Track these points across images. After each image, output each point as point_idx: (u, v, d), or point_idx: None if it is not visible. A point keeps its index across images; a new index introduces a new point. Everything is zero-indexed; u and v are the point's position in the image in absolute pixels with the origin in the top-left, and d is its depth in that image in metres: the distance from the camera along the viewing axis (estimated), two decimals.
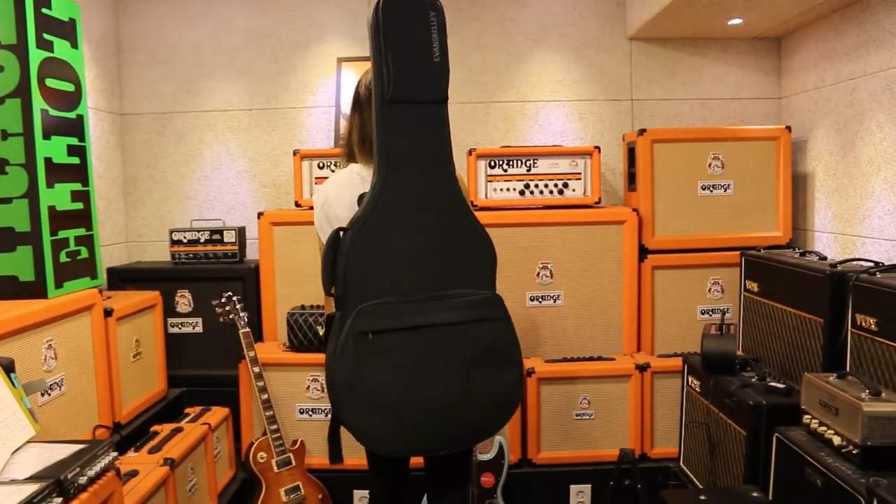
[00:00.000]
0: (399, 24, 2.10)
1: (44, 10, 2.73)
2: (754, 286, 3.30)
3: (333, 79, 4.20)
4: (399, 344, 2.06)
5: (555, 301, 3.69)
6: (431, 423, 2.09)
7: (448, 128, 2.16)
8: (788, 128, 3.70)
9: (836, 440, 2.13)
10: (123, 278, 3.86)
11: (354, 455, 3.45)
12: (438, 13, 2.12)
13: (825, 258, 3.06)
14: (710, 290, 3.70)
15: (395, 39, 2.10)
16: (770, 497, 2.42)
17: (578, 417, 3.52)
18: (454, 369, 2.09)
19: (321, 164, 3.77)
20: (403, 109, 2.11)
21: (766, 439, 2.50)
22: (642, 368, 3.48)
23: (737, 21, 3.79)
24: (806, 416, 2.32)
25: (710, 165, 3.68)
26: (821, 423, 2.24)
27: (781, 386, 2.72)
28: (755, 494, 2.36)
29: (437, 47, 2.11)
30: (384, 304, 2.06)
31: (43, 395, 2.58)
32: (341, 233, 2.10)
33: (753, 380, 2.86)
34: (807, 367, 2.83)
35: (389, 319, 2.05)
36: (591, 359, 3.59)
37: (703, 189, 3.69)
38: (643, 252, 3.67)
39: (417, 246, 2.11)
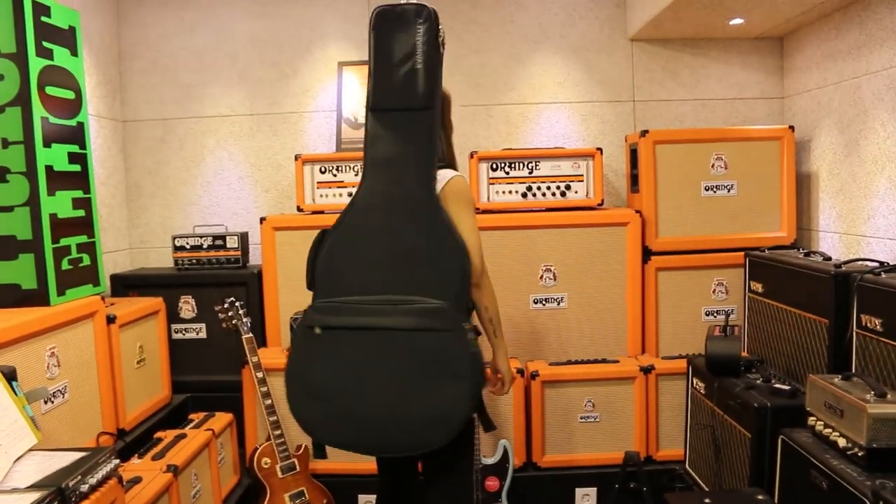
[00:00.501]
0: (386, 34, 2.23)
1: (43, 19, 2.73)
2: (759, 287, 3.29)
3: (334, 83, 4.20)
4: (347, 342, 2.18)
5: (558, 304, 3.68)
6: (372, 424, 2.17)
7: (430, 134, 2.22)
8: (791, 127, 3.68)
9: (842, 442, 2.12)
10: (127, 285, 3.86)
11: (359, 459, 3.45)
12: (426, 20, 2.19)
13: (830, 258, 3.04)
14: (714, 292, 3.68)
15: (382, 49, 2.23)
16: (776, 500, 2.41)
17: (583, 420, 3.50)
18: (397, 375, 2.15)
19: (323, 169, 3.77)
20: (383, 117, 2.25)
21: (772, 441, 2.49)
22: (647, 371, 3.46)
23: (738, 21, 3.78)
24: (811, 418, 2.31)
25: (713, 166, 3.67)
26: (826, 425, 2.22)
27: (786, 387, 2.70)
28: (760, 497, 2.35)
29: (419, 55, 2.20)
30: (341, 303, 2.20)
31: (46, 402, 2.58)
32: (325, 233, 2.29)
33: (758, 381, 2.84)
34: (812, 369, 2.81)
35: (340, 317, 2.18)
36: (595, 361, 3.58)
37: (707, 190, 3.68)
38: (647, 254, 3.66)
39: (384, 249, 2.21)
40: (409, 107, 2.22)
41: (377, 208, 2.23)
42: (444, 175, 2.29)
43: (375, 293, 2.19)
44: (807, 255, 3.17)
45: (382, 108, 2.25)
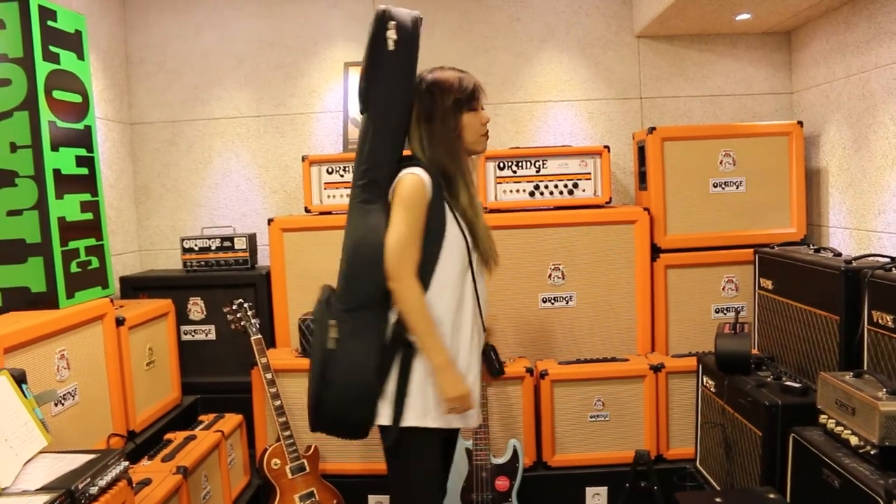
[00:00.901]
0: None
1: (49, 23, 2.74)
2: (768, 284, 3.27)
3: (341, 83, 4.19)
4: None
5: (567, 302, 3.67)
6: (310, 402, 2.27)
7: (362, 135, 2.26)
8: (800, 123, 3.66)
9: (854, 440, 2.10)
10: (136, 287, 3.87)
11: (369, 460, 3.46)
12: (374, 21, 2.23)
13: (840, 254, 3.02)
14: (724, 289, 3.67)
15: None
16: (787, 498, 2.40)
17: (593, 419, 3.49)
18: (314, 364, 2.23)
19: (330, 170, 3.77)
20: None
21: (783, 440, 2.48)
22: (657, 369, 3.45)
23: (745, 16, 3.76)
24: (822, 416, 2.29)
25: (721, 162, 3.65)
26: (837, 423, 2.21)
27: (797, 385, 2.68)
28: (772, 496, 2.33)
29: (365, 58, 2.25)
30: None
31: (56, 404, 2.59)
32: None
33: (769, 379, 2.82)
34: (823, 366, 2.79)
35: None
36: (604, 360, 3.56)
37: (715, 186, 3.66)
38: (655, 251, 3.65)
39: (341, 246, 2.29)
40: (361, 110, 2.30)
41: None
42: (400, 174, 2.24)
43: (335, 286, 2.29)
44: (817, 251, 3.15)
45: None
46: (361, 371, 2.17)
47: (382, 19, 2.22)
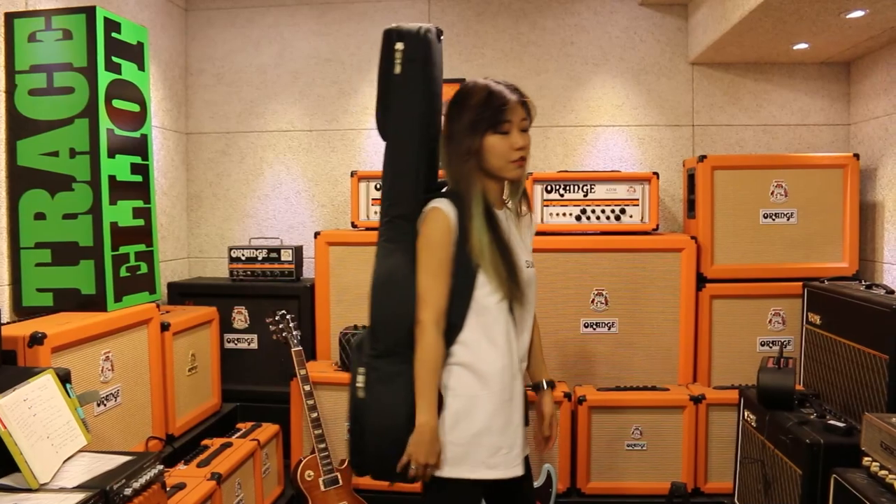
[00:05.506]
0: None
1: (113, 35, 2.84)
2: (816, 319, 3.19)
3: None
4: None
5: (609, 328, 3.63)
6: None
7: (384, 167, 2.10)
8: (856, 155, 3.58)
9: None
10: (183, 293, 3.95)
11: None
12: (382, 43, 2.09)
13: (893, 292, 2.93)
14: (770, 322, 3.59)
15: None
16: None
17: (630, 448, 3.44)
18: (349, 412, 2.11)
19: (378, 186, 3.81)
20: None
21: (824, 480, 2.40)
22: (697, 400, 3.38)
23: (802, 46, 3.70)
24: (866, 459, 2.22)
25: (772, 193, 3.59)
26: (882, 467, 2.13)
27: (841, 424, 2.60)
28: None
29: (378, 85, 2.12)
30: None
31: (99, 405, 2.65)
32: None
33: (812, 417, 2.75)
34: (870, 406, 2.70)
35: None
36: (644, 388, 3.51)
37: (766, 217, 3.59)
38: (701, 280, 3.59)
39: None
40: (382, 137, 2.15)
41: None
42: (426, 207, 2.05)
43: None
44: (868, 287, 3.06)
45: None
46: (394, 417, 1.99)
47: (387, 39, 2.07)
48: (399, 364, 2.00)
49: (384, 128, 2.12)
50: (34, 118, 2.76)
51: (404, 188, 2.07)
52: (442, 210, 2.00)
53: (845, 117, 4.11)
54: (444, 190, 2.10)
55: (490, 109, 2.02)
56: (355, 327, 3.60)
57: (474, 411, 2.01)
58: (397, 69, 2.05)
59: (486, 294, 2.01)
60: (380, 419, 2.01)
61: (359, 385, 2.02)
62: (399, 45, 2.04)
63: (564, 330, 3.64)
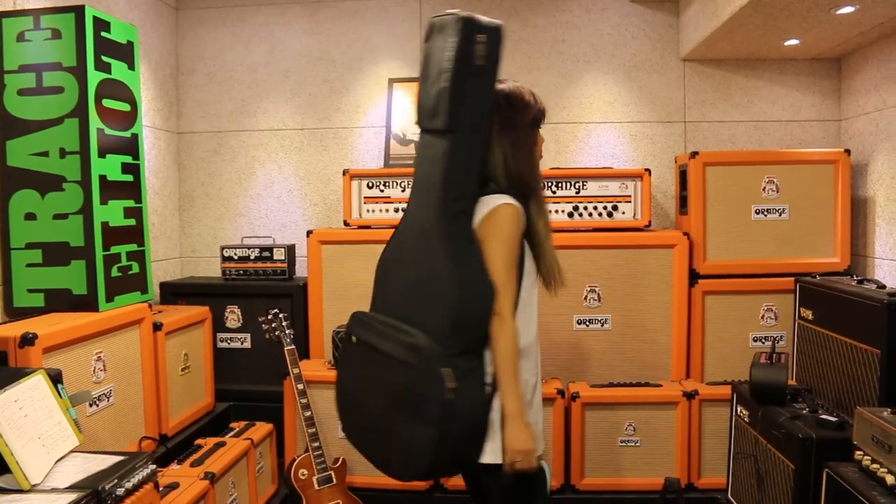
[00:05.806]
0: (429, 48, 2.13)
1: (103, 34, 2.83)
2: (809, 314, 3.20)
3: (384, 99, 4.24)
4: (360, 355, 2.21)
5: (602, 325, 3.64)
6: (365, 435, 2.22)
7: (449, 159, 2.05)
8: (847, 151, 3.59)
9: (890, 479, 2.03)
10: (175, 293, 3.94)
11: None
12: (457, 33, 2.01)
13: (884, 286, 2.94)
14: (762, 317, 3.60)
15: (423, 63, 2.14)
16: None
17: (623, 444, 3.44)
18: (382, 397, 2.11)
19: (370, 184, 3.80)
20: (422, 135, 2.18)
21: (816, 474, 2.41)
22: (690, 396, 3.39)
23: (793, 42, 3.71)
24: (858, 453, 2.23)
25: (764, 189, 3.59)
26: (873, 461, 2.14)
27: (833, 419, 2.61)
28: None
29: (448, 71, 2.02)
30: (370, 317, 2.21)
31: (91, 405, 2.64)
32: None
33: (804, 411, 2.75)
34: (862, 400, 2.72)
35: (361, 330, 2.21)
36: (637, 384, 3.52)
37: (757, 213, 3.60)
38: (694, 276, 3.60)
39: (406, 273, 2.16)
40: (435, 128, 2.08)
41: (410, 231, 2.16)
42: (488, 203, 2.07)
43: (392, 316, 2.14)
44: (860, 282, 3.07)
45: (420, 127, 2.17)
46: (478, 410, 2.02)
47: (469, 29, 2.01)
48: (475, 359, 2.05)
49: (455, 116, 2.04)
50: (24, 118, 2.75)
51: (473, 183, 2.09)
52: (517, 207, 2.08)
53: (836, 113, 4.12)
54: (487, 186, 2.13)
55: (538, 108, 2.19)
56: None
57: (527, 391, 2.13)
58: (480, 61, 2.03)
59: (528, 285, 2.14)
60: (473, 413, 2.03)
61: (450, 386, 1.96)
62: (481, 37, 2.02)
63: (557, 326, 3.64)
